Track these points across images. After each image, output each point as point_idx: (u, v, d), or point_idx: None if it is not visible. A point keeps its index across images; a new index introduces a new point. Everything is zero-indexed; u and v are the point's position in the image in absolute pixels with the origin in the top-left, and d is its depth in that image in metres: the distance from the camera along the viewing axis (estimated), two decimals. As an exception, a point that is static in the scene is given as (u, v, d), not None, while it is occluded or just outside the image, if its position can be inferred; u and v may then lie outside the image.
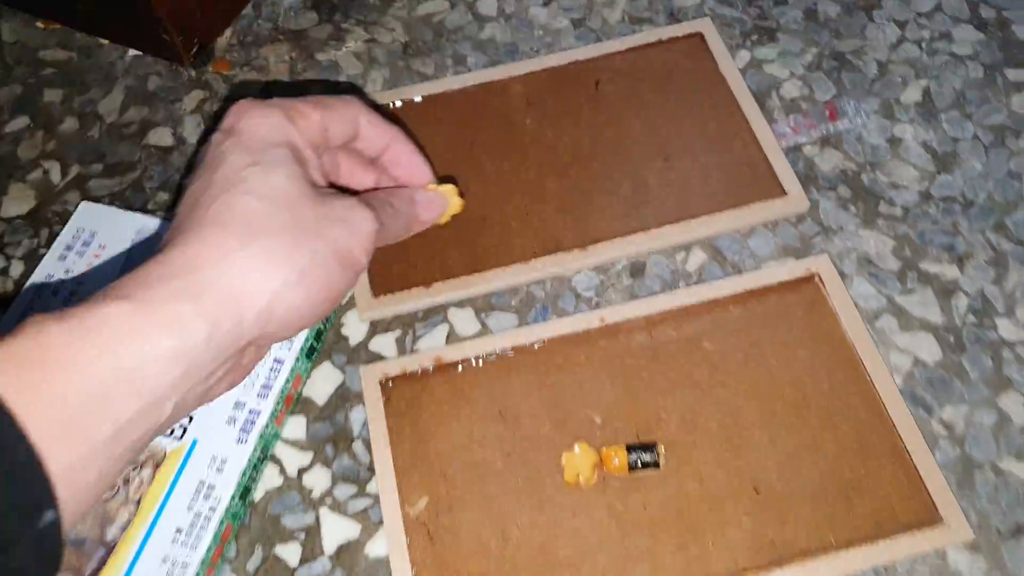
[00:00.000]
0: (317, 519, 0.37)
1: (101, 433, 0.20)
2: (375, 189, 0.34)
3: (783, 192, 0.43)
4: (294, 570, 0.36)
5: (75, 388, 0.20)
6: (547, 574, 0.35)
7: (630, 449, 0.36)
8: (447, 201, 0.35)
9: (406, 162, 0.33)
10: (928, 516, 0.35)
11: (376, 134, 0.32)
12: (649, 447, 0.36)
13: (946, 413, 0.38)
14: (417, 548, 0.36)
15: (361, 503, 0.37)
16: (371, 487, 0.37)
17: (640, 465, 0.36)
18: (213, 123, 0.49)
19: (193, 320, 0.23)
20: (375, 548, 0.36)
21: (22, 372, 0.20)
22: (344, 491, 0.37)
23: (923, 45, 0.50)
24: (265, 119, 0.27)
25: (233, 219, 0.25)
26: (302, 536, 0.36)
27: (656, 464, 0.36)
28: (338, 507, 0.37)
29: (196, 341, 0.23)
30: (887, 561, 0.34)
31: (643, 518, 0.36)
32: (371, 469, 0.38)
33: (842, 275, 0.41)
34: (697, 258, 0.43)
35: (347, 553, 0.36)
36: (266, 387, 0.38)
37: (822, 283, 0.41)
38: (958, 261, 0.42)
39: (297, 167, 0.27)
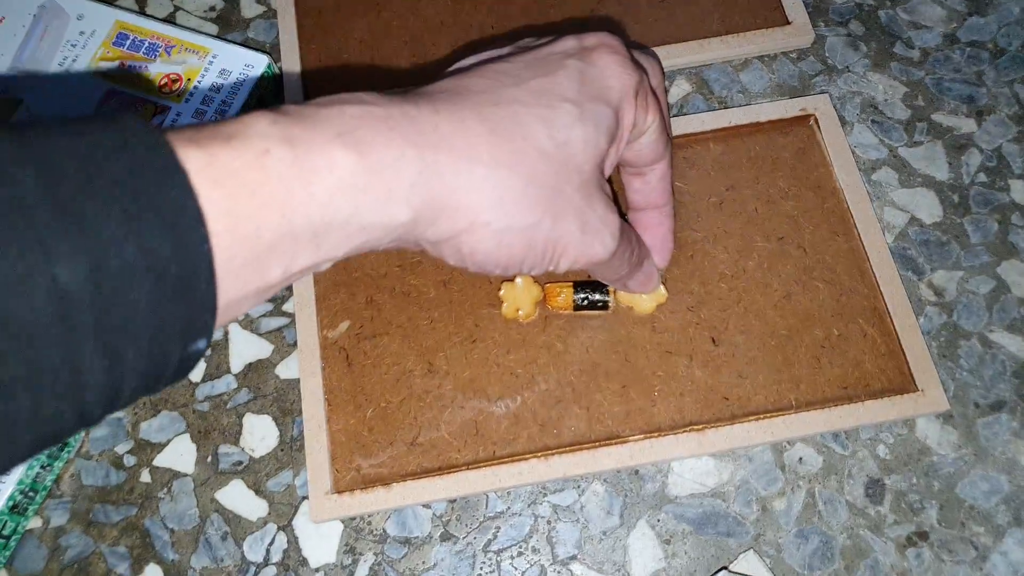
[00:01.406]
0: (226, 335, 0.33)
1: (269, 279, 0.19)
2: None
3: (786, 21, 0.37)
4: (196, 385, 0.32)
5: (272, 228, 0.18)
6: (473, 408, 0.32)
7: (578, 286, 0.33)
8: (656, 286, 0.32)
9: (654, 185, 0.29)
10: (902, 383, 0.32)
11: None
12: (600, 286, 0.33)
13: (937, 277, 0.34)
14: (333, 373, 0.32)
15: (276, 322, 0.34)
16: (288, 307, 0.34)
17: (587, 304, 0.32)
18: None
19: (401, 205, 0.20)
20: (287, 370, 0.33)
21: (232, 195, 0.18)
22: (258, 308, 0.34)
23: None
24: (622, 74, 0.24)
25: (510, 134, 0.22)
26: (207, 352, 0.33)
27: (605, 305, 0.32)
28: (249, 325, 0.33)
29: (391, 225, 0.21)
30: (849, 425, 0.31)
31: (584, 360, 0.32)
32: (290, 288, 0.34)
33: (842, 120, 0.36)
34: (680, 89, 0.37)
35: (255, 372, 0.33)
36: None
37: (817, 126, 0.36)
38: (976, 115, 0.36)
39: (604, 140, 0.24)
